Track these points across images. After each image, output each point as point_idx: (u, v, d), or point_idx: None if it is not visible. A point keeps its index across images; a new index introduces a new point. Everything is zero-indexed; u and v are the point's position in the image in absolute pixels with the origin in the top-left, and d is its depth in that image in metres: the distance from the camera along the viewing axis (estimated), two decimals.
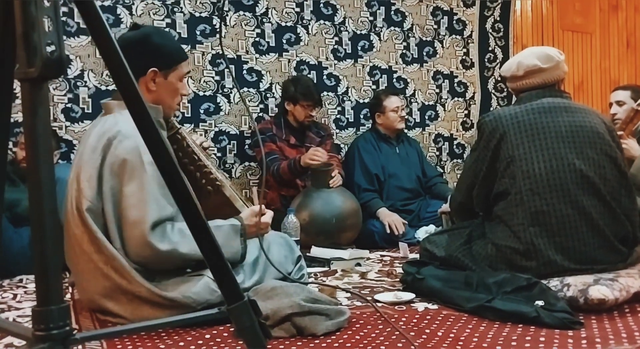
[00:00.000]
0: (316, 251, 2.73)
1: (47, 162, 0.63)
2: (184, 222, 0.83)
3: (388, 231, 3.17)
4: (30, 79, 0.62)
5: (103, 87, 3.12)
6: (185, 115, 3.33)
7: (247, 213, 1.85)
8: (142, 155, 1.60)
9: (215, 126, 3.44)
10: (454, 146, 4.24)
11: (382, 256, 2.94)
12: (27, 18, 0.62)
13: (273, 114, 3.52)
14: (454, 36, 4.20)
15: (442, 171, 4.09)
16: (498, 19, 4.36)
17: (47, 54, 0.62)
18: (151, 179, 1.61)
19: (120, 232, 1.63)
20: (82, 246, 1.65)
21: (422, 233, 3.13)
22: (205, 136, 3.27)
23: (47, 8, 0.62)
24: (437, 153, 4.18)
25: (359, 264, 2.62)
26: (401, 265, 2.36)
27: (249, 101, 3.53)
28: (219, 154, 3.44)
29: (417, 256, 2.52)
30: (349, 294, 2.06)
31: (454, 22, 4.20)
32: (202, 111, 3.40)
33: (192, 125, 3.35)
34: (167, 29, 3.18)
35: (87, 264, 1.67)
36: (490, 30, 4.34)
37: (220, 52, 3.41)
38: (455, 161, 4.24)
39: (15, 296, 2.16)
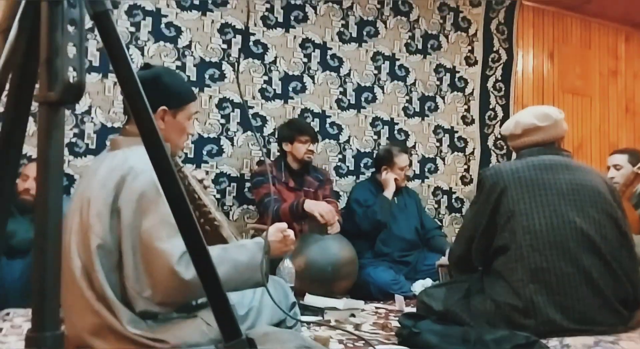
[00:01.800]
0: (310, 299, 2.68)
1: (56, 187, 0.63)
2: None
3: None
4: (49, 103, 0.63)
5: (109, 124, 3.15)
6: (189, 155, 3.35)
7: (271, 230, 1.83)
8: (158, 188, 1.60)
9: (216, 168, 3.46)
10: (453, 200, 4.25)
11: (377, 307, 2.89)
12: (52, 44, 0.63)
13: (273, 160, 3.55)
14: (455, 92, 4.28)
15: (440, 224, 4.08)
16: (499, 78, 4.46)
17: (68, 80, 0.63)
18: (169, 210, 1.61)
19: (138, 269, 1.60)
20: (75, 281, 1.62)
21: (418, 286, 3.10)
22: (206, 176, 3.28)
23: (73, 35, 0.64)
24: (436, 206, 4.18)
25: (353, 315, 2.57)
26: (397, 318, 2.32)
27: (252, 145, 3.56)
28: (218, 196, 3.44)
29: (413, 309, 2.48)
30: (342, 346, 2.01)
31: (456, 79, 4.30)
32: (205, 152, 3.42)
33: (195, 165, 3.37)
34: (177, 71, 3.24)
35: (78, 299, 1.64)
36: (492, 89, 4.43)
37: (227, 97, 3.47)
38: (453, 214, 4.24)
39: (0, 329, 2.10)
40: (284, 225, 1.87)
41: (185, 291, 1.58)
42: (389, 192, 3.48)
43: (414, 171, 4.08)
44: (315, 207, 3.05)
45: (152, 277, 1.58)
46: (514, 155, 4.30)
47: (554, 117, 2.09)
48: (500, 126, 4.39)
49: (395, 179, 3.54)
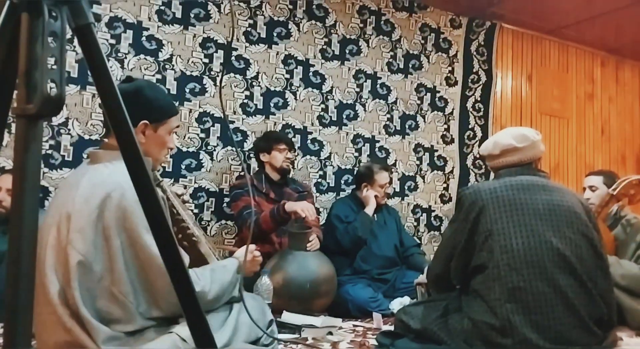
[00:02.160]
0: (287, 317, 2.66)
1: (32, 200, 0.62)
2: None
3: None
4: (27, 116, 0.62)
5: (86, 137, 3.11)
6: (167, 169, 3.32)
7: (242, 251, 1.95)
8: None
9: (195, 182, 3.43)
10: (432, 218, 4.27)
11: (355, 325, 2.88)
12: (31, 56, 0.62)
13: (253, 174, 3.53)
14: (435, 112, 4.34)
15: (419, 242, 4.10)
16: (479, 98, 4.53)
17: (47, 92, 0.62)
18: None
19: (135, 285, 1.56)
20: (49, 297, 1.58)
21: (396, 304, 3.09)
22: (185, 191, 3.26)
23: (53, 48, 0.63)
24: (415, 224, 4.20)
25: (330, 333, 2.56)
26: (374, 336, 2.31)
27: (232, 159, 3.55)
28: (196, 211, 3.41)
29: (391, 327, 2.48)
30: None
31: (437, 99, 4.35)
32: (183, 167, 3.40)
33: (173, 179, 3.34)
34: (158, 85, 3.22)
35: (50, 315, 1.60)
36: (471, 109, 4.49)
37: (208, 111, 3.46)
38: (432, 233, 4.26)
39: None
40: (252, 247, 2.05)
41: None
42: (370, 209, 3.49)
43: (394, 188, 4.10)
44: (296, 205, 3.04)
45: (154, 293, 1.56)
46: (492, 174, 4.36)
47: (532, 138, 2.12)
48: (479, 146, 4.45)
49: (376, 196, 3.55)
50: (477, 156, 4.45)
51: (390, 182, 3.75)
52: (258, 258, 2.09)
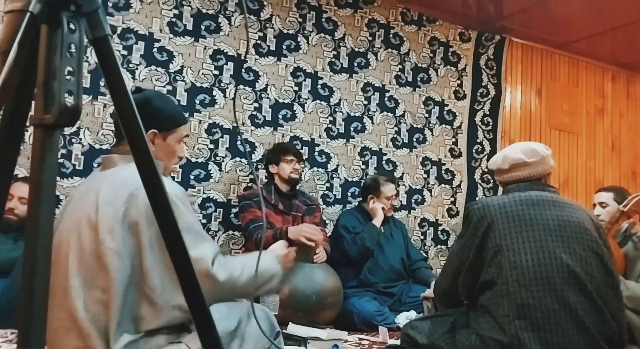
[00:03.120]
0: (293, 328, 2.65)
1: (48, 208, 0.63)
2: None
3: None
4: (44, 125, 0.63)
5: (97, 146, 3.14)
6: (176, 179, 3.34)
7: (277, 245, 2.04)
8: (174, 200, 1.61)
9: (203, 193, 3.44)
10: (439, 232, 4.26)
11: (360, 339, 2.86)
12: (50, 67, 0.63)
13: (262, 185, 3.54)
14: (443, 125, 4.33)
15: (426, 255, 4.08)
16: (487, 112, 4.52)
17: (65, 103, 0.63)
18: (191, 218, 1.66)
19: (163, 279, 1.58)
20: (68, 301, 1.58)
21: (402, 319, 3.08)
22: (193, 199, 3.28)
23: (71, 59, 0.64)
24: (422, 237, 4.19)
25: (336, 346, 2.54)
26: None
27: (240, 170, 3.56)
28: (204, 221, 3.42)
29: (397, 341, 2.46)
30: None
31: (445, 112, 4.35)
32: (192, 177, 3.41)
33: None
34: (168, 95, 3.25)
35: (63, 321, 1.60)
36: (480, 123, 4.49)
37: (217, 122, 3.48)
38: (439, 247, 4.24)
39: None
40: (284, 242, 2.14)
41: (217, 292, 1.66)
42: (377, 221, 3.48)
43: (401, 201, 4.10)
44: (299, 233, 3.00)
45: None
46: (500, 189, 4.34)
47: (541, 153, 2.12)
48: (488, 160, 4.44)
49: (382, 208, 3.54)
50: (486, 170, 4.44)
51: (397, 195, 3.74)
52: (292, 253, 2.09)
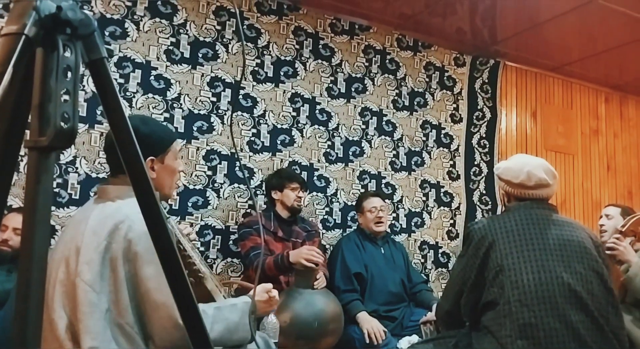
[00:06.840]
0: None
1: (43, 233, 0.62)
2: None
3: (367, 341, 3.05)
4: (39, 148, 0.62)
5: (94, 175, 3.13)
6: (173, 207, 3.33)
7: (258, 290, 1.89)
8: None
9: (201, 220, 3.43)
10: (439, 255, 4.23)
11: None
12: (45, 90, 0.63)
13: (261, 211, 3.52)
14: (441, 148, 4.35)
15: (426, 278, 4.04)
16: (484, 135, 4.55)
17: (60, 125, 0.62)
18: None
19: (136, 316, 1.55)
20: (56, 332, 1.56)
21: (404, 343, 3.03)
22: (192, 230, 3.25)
23: (67, 81, 0.64)
24: (422, 260, 4.16)
25: None
26: None
27: (238, 196, 3.55)
28: (202, 248, 3.39)
29: None
30: None
31: (442, 135, 4.37)
32: (190, 204, 3.40)
33: (179, 217, 3.33)
34: (165, 123, 3.25)
35: None
36: (476, 146, 4.51)
37: (215, 149, 3.49)
38: (440, 269, 4.21)
39: None
40: (269, 285, 1.96)
41: (185, 341, 1.55)
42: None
43: (401, 225, 4.08)
44: (301, 255, 2.98)
45: (150, 327, 1.54)
46: (499, 210, 4.33)
47: (557, 176, 2.14)
48: (485, 182, 4.45)
49: (368, 222, 3.54)
50: (484, 192, 4.44)
51: (387, 209, 3.67)
52: (275, 298, 1.98)
